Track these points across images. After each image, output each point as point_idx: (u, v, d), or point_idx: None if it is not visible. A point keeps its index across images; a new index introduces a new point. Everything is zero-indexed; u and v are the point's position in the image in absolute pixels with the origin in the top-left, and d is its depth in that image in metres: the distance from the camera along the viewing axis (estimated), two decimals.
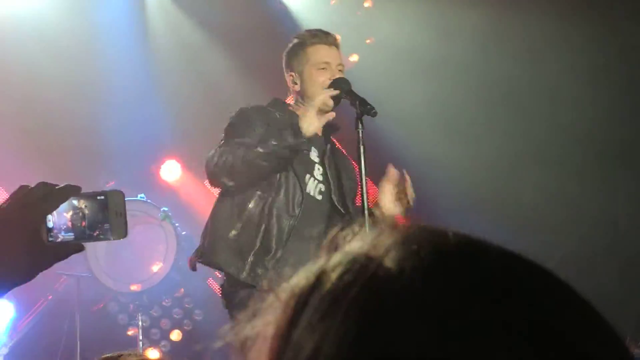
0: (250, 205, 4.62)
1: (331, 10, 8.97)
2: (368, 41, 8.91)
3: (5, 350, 7.52)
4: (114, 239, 1.72)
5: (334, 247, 0.85)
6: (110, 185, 7.66)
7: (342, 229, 0.87)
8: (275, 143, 4.44)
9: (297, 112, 4.64)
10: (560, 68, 8.23)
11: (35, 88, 8.23)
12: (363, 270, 0.80)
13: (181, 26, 8.81)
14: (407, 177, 4.55)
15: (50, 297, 7.99)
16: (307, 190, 4.66)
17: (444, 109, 8.58)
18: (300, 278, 0.83)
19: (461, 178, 8.46)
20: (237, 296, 4.56)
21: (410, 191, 4.53)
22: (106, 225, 1.71)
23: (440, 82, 8.53)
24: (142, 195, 7.76)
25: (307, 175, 4.67)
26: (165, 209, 7.44)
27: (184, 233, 7.68)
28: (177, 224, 7.55)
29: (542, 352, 0.75)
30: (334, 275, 0.80)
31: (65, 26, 8.28)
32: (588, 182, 8.06)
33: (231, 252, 4.63)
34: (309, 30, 4.98)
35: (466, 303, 0.77)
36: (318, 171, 4.73)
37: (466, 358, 0.75)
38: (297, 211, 4.59)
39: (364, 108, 4.45)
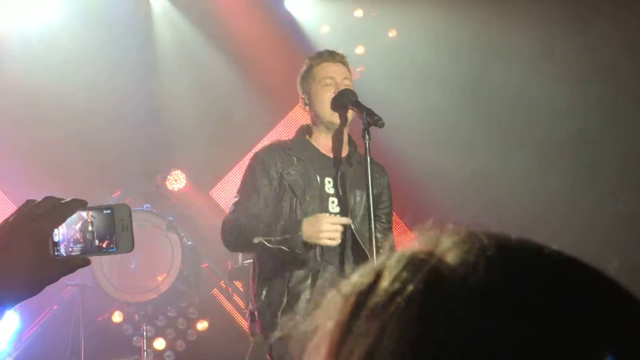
0: (270, 263, 4.66)
1: (338, 19, 8.99)
2: (361, 51, 8.95)
3: None
4: (120, 253, 1.72)
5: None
6: (116, 195, 7.67)
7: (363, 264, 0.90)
8: (276, 239, 4.47)
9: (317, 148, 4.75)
10: (558, 76, 8.25)
11: (41, 99, 8.24)
12: (422, 266, 0.83)
13: (188, 38, 8.82)
14: None
15: (55, 307, 7.99)
16: None
17: (444, 118, 8.61)
18: (360, 275, 0.86)
19: (462, 186, 8.47)
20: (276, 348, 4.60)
21: None
22: (112, 239, 1.71)
23: (440, 91, 8.56)
24: (148, 205, 7.76)
25: (322, 214, 4.67)
26: (171, 219, 7.43)
27: (189, 243, 7.68)
28: (182, 234, 7.54)
29: (601, 341, 0.79)
30: (393, 272, 0.84)
31: (71, 38, 8.29)
32: (601, 186, 8.09)
33: (263, 315, 4.68)
34: (317, 52, 4.99)
35: (530, 295, 0.80)
36: (333, 204, 4.72)
37: (529, 348, 0.78)
38: (315, 254, 4.61)
39: (371, 119, 4.44)
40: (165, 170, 8.76)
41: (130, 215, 1.74)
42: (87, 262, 1.68)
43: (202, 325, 8.25)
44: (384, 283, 0.83)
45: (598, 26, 8.14)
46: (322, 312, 0.87)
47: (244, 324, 8.08)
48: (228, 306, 8.55)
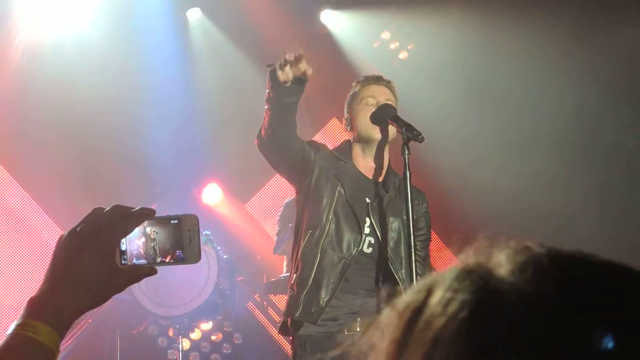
0: (303, 246, 4.66)
1: (375, 33, 8.98)
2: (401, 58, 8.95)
3: None
4: (187, 264, 1.70)
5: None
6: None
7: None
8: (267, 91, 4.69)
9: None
10: (583, 81, 8.22)
11: (79, 113, 8.29)
12: (474, 277, 0.85)
13: (223, 50, 8.84)
14: None
15: (90, 320, 8.00)
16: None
17: (472, 126, 8.60)
18: (413, 292, 0.89)
19: (490, 195, 8.44)
20: (296, 334, 4.61)
21: None
22: (179, 250, 1.69)
23: (470, 101, 8.56)
24: None
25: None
26: (207, 232, 7.43)
27: (225, 257, 7.67)
28: (218, 248, 7.54)
29: None
30: (445, 284, 0.86)
31: (108, 51, 8.34)
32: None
33: (290, 297, 4.70)
34: (364, 76, 5.03)
35: (583, 302, 0.82)
36: (365, 223, 4.71)
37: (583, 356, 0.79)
38: (353, 251, 4.61)
39: (411, 134, 4.43)
40: (201, 184, 8.77)
41: (198, 225, 1.72)
42: (153, 271, 1.67)
43: (237, 338, 8.24)
44: (437, 296, 0.85)
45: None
46: (376, 330, 0.90)
47: (279, 338, 8.06)
48: (263, 320, 8.54)
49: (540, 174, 8.41)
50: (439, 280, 0.87)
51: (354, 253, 4.60)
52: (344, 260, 4.59)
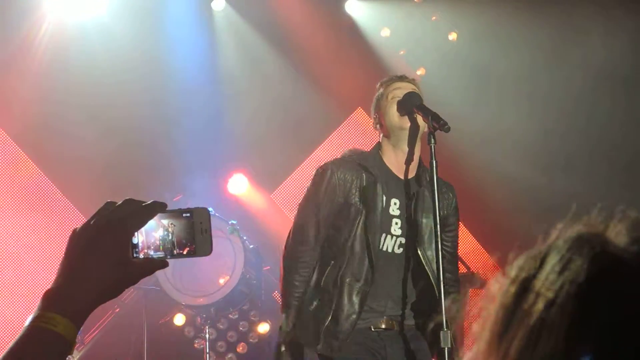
0: (324, 277, 4.71)
1: (399, 22, 8.95)
2: (421, 52, 8.90)
3: None
4: (198, 256, 1.72)
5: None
6: (178, 199, 7.69)
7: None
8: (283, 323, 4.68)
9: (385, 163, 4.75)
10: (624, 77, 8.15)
11: (103, 101, 8.32)
12: (591, 244, 0.85)
13: (249, 41, 8.83)
14: None
15: (117, 310, 8.04)
16: (384, 248, 4.66)
17: (511, 127, 8.54)
18: (526, 259, 0.90)
19: (527, 191, 8.39)
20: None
21: None
22: (191, 243, 1.71)
23: (501, 94, 8.50)
24: (211, 209, 7.78)
25: (383, 235, 4.67)
26: (234, 222, 7.44)
27: (251, 246, 7.68)
28: (244, 237, 7.55)
29: None
30: (560, 252, 0.86)
31: (133, 39, 8.35)
32: None
33: (309, 325, 4.74)
34: (388, 76, 5.00)
35: None
36: (396, 225, 4.70)
37: None
38: (367, 277, 4.62)
39: (437, 123, 4.41)
40: (227, 174, 8.78)
41: (210, 218, 1.75)
42: (165, 264, 1.69)
43: (263, 328, 8.25)
44: (551, 262, 0.86)
45: None
46: (485, 296, 0.91)
47: None
48: None
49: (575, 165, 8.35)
50: (552, 247, 0.88)
51: (370, 276, 4.61)
52: (361, 290, 4.61)
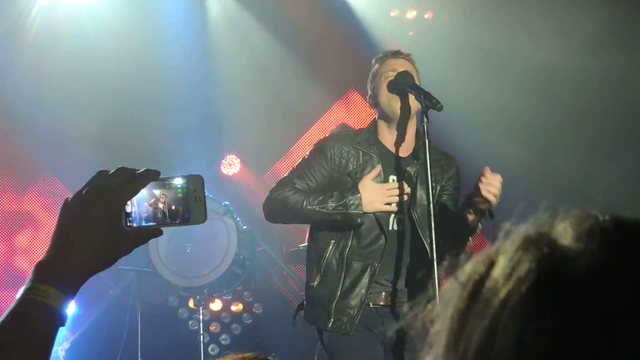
0: (327, 254, 4.70)
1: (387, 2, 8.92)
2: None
3: (67, 345, 7.59)
4: (193, 224, 1.70)
5: (453, 270, 0.93)
6: None
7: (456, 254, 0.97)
8: (332, 205, 4.56)
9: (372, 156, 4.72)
10: (628, 63, 8.09)
11: (97, 83, 8.29)
12: (537, 245, 0.86)
13: (242, 23, 8.80)
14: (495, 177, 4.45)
15: (111, 292, 8.05)
16: (383, 224, 4.68)
17: (506, 105, 8.50)
18: (475, 263, 0.90)
19: (525, 177, 8.37)
20: (328, 341, 4.70)
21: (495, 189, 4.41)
22: (185, 210, 1.69)
23: (503, 79, 8.45)
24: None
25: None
26: (227, 203, 7.43)
27: (245, 227, 7.68)
28: (238, 219, 7.54)
29: None
30: (508, 254, 0.87)
31: (125, 24, 8.31)
32: None
33: (315, 303, 4.76)
34: (382, 52, 4.97)
35: None
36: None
37: None
38: (369, 253, 4.65)
39: (430, 102, 4.40)
40: (220, 155, 8.77)
41: (203, 186, 1.73)
42: (159, 232, 1.66)
43: (257, 308, 8.26)
44: (500, 265, 0.86)
45: None
46: (440, 302, 0.92)
47: None
48: (283, 290, 8.56)
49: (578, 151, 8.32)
50: (500, 250, 0.88)
51: (380, 253, 4.63)
52: (370, 266, 4.63)
